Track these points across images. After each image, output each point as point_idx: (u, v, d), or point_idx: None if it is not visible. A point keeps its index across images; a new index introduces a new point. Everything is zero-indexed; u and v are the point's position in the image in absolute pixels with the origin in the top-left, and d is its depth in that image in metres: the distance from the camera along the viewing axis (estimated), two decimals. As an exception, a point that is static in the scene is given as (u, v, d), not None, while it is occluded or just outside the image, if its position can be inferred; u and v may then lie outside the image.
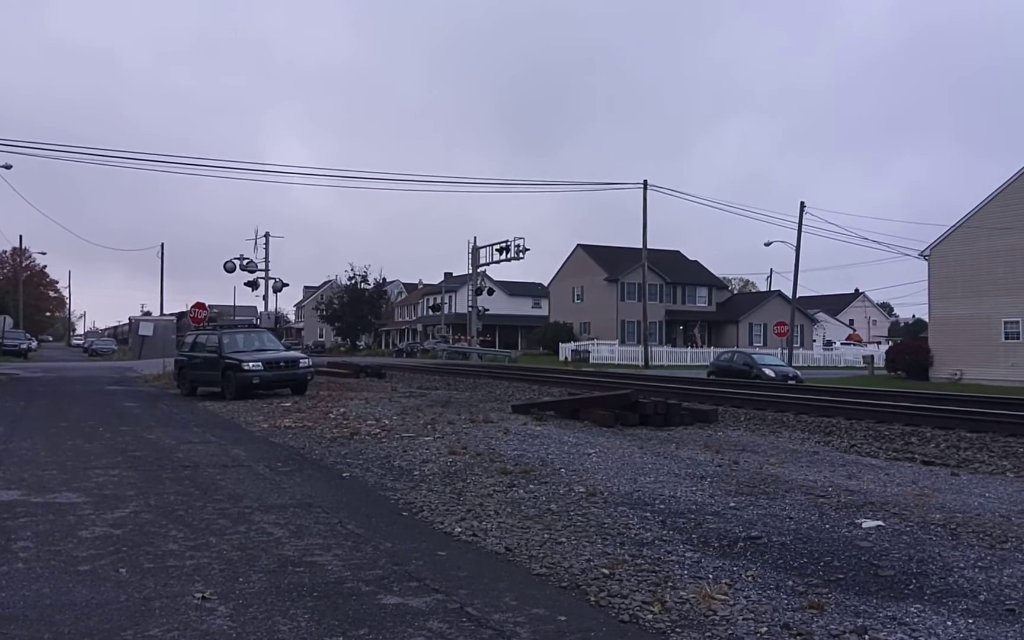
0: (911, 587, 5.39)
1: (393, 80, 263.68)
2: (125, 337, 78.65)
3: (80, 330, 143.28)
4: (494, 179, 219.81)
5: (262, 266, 44.65)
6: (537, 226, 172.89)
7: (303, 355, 23.40)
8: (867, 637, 4.50)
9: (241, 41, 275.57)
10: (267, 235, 45.04)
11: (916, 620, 4.74)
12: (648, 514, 7.43)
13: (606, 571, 5.63)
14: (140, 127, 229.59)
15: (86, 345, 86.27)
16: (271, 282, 46.18)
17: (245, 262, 43.74)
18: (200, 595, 5.01)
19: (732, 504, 7.85)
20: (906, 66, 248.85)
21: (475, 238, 48.61)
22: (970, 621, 4.74)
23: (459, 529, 6.90)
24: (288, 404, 18.10)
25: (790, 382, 31.52)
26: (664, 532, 6.80)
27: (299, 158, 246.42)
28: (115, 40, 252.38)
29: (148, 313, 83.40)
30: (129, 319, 77.15)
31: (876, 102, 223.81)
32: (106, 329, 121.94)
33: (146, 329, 52.26)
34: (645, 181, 48.82)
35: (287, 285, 51.79)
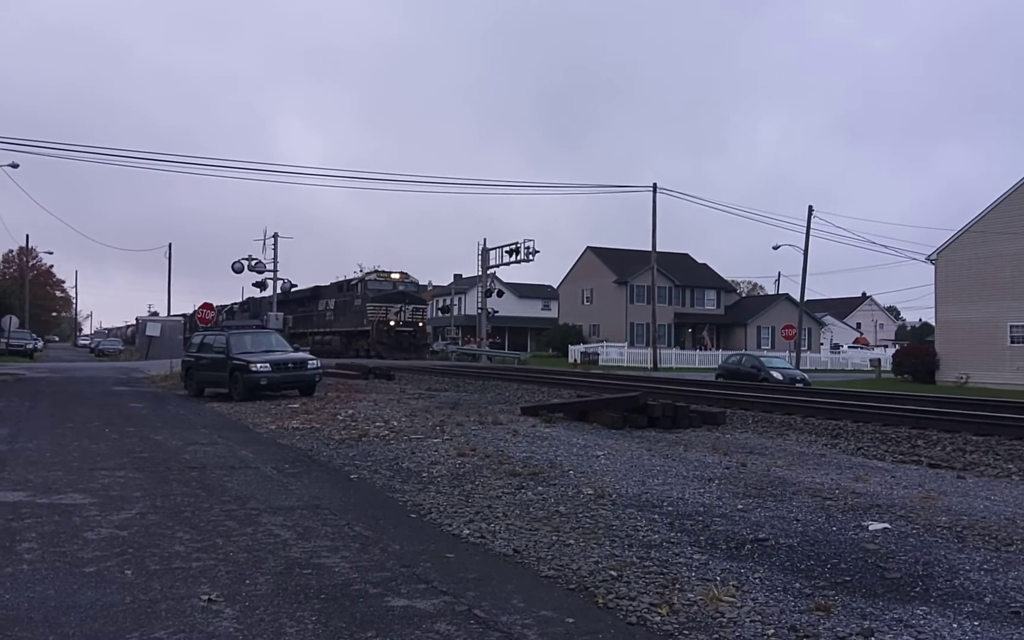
0: (917, 589, 5.38)
1: (427, 64, 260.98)
2: (132, 337, 78.58)
3: (87, 330, 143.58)
4: (507, 181, 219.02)
5: (270, 266, 44.66)
6: (553, 226, 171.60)
7: (311, 356, 23.43)
8: (873, 639, 4.50)
9: (256, 16, 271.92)
10: (275, 236, 45.00)
11: (922, 622, 4.74)
12: (656, 516, 7.43)
13: (614, 573, 5.63)
14: (147, 115, 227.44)
15: (92, 345, 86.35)
16: (280, 283, 46.20)
17: (253, 263, 43.74)
18: (206, 597, 5.02)
19: (740, 506, 7.83)
20: (963, 54, 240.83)
21: (484, 239, 48.25)
22: (976, 623, 4.74)
23: (467, 531, 6.91)
24: (296, 405, 18.12)
25: (797, 385, 31.49)
26: (672, 534, 6.79)
27: (315, 147, 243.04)
28: (118, 21, 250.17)
29: (155, 313, 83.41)
30: (136, 319, 77.06)
31: (922, 92, 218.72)
32: (117, 328, 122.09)
33: (153, 329, 52.22)
34: (655, 184, 48.75)
35: (295, 286, 51.79)
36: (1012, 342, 40.20)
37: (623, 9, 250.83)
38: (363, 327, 43.80)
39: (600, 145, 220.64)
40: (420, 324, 45.68)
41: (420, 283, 48.42)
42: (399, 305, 44.75)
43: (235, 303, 68.40)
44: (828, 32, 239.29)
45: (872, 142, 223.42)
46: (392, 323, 43.70)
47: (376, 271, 46.15)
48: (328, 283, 53.04)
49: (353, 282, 47.48)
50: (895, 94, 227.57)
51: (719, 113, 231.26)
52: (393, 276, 46.87)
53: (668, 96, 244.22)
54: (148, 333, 51.17)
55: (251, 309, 58.12)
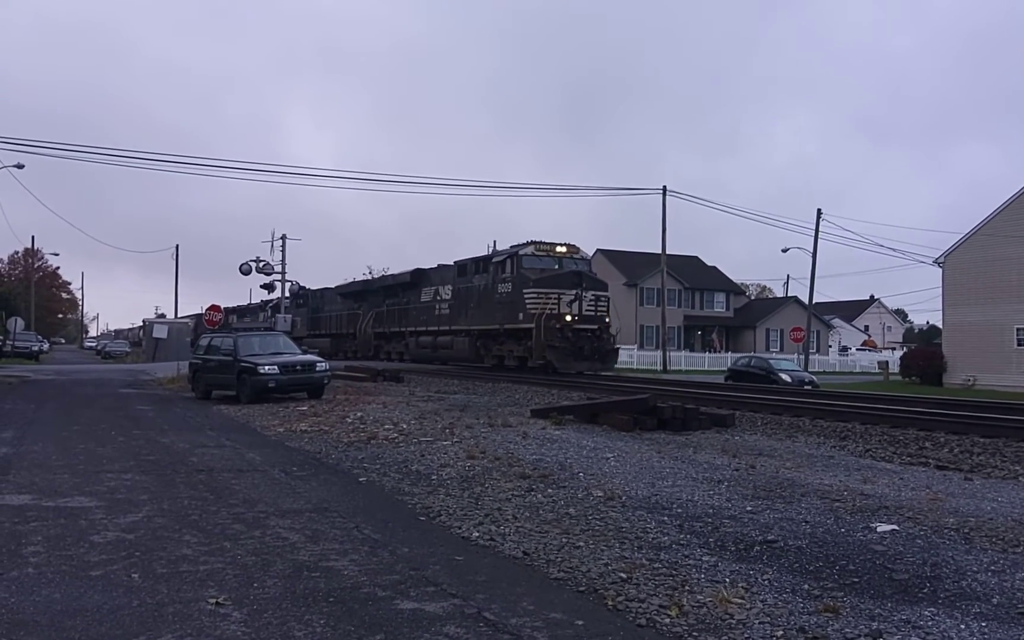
0: (925, 591, 5.38)
1: (443, 63, 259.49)
2: (139, 339, 78.62)
3: (93, 332, 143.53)
4: (517, 184, 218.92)
5: (279, 268, 44.62)
6: (565, 227, 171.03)
7: (320, 359, 23.44)
8: (882, 640, 4.49)
9: (267, 12, 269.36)
10: (283, 237, 44.89)
11: (930, 623, 4.75)
12: (666, 518, 7.42)
13: (624, 575, 5.63)
14: (154, 113, 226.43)
15: (99, 347, 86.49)
16: (288, 284, 46.16)
17: (261, 264, 43.59)
18: (214, 600, 5.02)
19: (749, 508, 7.82)
20: (987, 53, 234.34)
21: (495, 241, 47.25)
22: (983, 625, 4.74)
23: (477, 534, 6.91)
24: (304, 408, 18.15)
25: (806, 387, 31.43)
26: (681, 536, 6.78)
27: (327, 146, 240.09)
28: (124, 17, 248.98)
29: (162, 315, 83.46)
30: (143, 321, 77.07)
31: (945, 91, 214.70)
32: (123, 330, 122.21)
33: (160, 331, 52.26)
34: (664, 187, 48.58)
35: (304, 288, 51.50)
36: (1019, 345, 40.26)
37: (640, 9, 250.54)
38: (518, 324, 29.54)
39: (615, 145, 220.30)
40: (606, 320, 29.85)
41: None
42: (574, 291, 28.88)
43: (282, 298, 63.89)
44: (849, 30, 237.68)
45: (892, 143, 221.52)
46: (568, 318, 28.40)
47: (534, 243, 30.31)
48: (436, 264, 38.16)
49: (497, 259, 31.23)
50: (917, 94, 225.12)
51: (736, 114, 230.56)
52: (558, 249, 30.52)
53: (684, 96, 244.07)
54: (155, 335, 51.24)
55: (309, 303, 50.73)
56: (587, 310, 29.05)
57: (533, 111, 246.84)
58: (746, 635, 4.57)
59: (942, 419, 14.92)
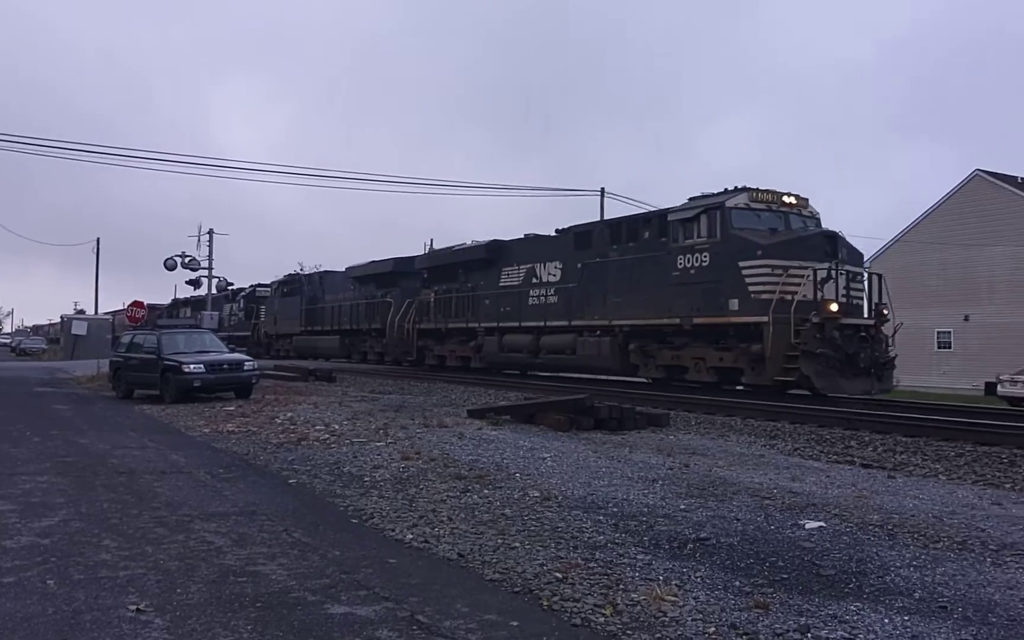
0: (851, 586, 5.48)
1: (397, 57, 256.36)
2: (57, 336, 75.84)
3: (7, 328, 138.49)
4: (454, 181, 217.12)
5: (206, 264, 43.44)
6: (514, 226, 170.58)
7: (248, 357, 22.94)
8: (810, 635, 4.57)
9: None
10: (211, 232, 43.66)
11: (855, 618, 4.83)
12: (601, 517, 7.43)
13: (559, 575, 5.61)
14: (74, 98, 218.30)
15: (13, 344, 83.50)
16: (215, 281, 44.97)
17: (187, 260, 42.42)
18: (135, 607, 4.82)
19: (682, 506, 7.89)
20: (935, 66, 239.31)
21: (431, 240, 46.04)
22: (906, 618, 4.84)
23: (411, 536, 6.80)
24: (231, 408, 17.72)
25: (738, 387, 31.97)
26: (617, 535, 6.80)
27: (267, 141, 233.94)
28: None
29: (82, 311, 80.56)
30: (61, 317, 74.20)
31: (894, 99, 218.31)
32: (40, 326, 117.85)
33: (79, 328, 50.34)
34: (602, 189, 48.45)
35: (231, 285, 50.21)
36: (938, 348, 42.15)
37: (603, 7, 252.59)
38: (727, 316, 19.10)
39: (566, 144, 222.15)
40: (885, 312, 19.99)
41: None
42: (826, 265, 18.13)
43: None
44: (800, 35, 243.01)
45: (839, 149, 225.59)
46: (834, 308, 17.73)
47: (747, 190, 19.30)
48: (523, 234, 27.40)
49: (679, 216, 20.09)
50: (866, 100, 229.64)
51: (688, 115, 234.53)
52: (785, 200, 19.57)
53: (636, 97, 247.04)
54: (74, 332, 49.43)
55: (304, 291, 41.02)
56: (852, 295, 19.18)
57: (484, 108, 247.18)
58: (679, 632, 4.59)
59: (867, 418, 15.33)
